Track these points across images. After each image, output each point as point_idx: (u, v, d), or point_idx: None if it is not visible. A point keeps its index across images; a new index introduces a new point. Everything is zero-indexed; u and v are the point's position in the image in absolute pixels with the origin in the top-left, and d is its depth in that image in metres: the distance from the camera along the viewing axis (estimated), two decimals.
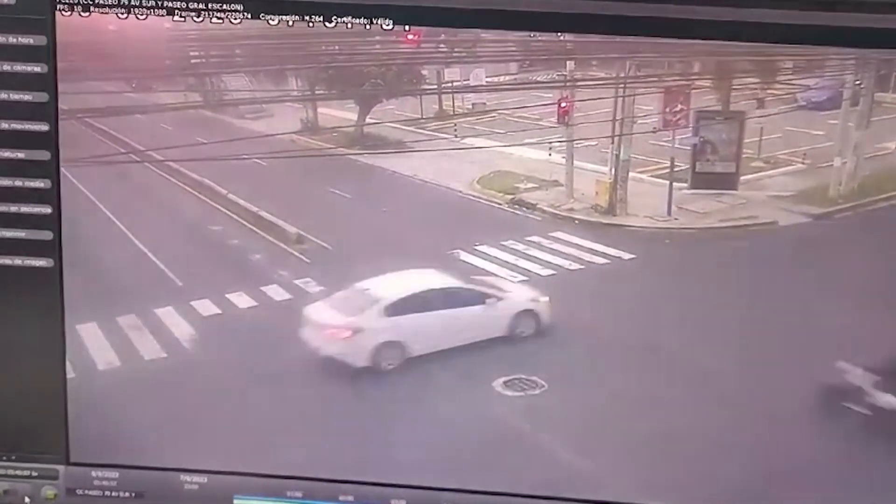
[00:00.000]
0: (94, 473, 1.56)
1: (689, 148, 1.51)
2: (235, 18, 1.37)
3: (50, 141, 1.41)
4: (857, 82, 1.43)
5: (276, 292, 1.56)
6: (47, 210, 1.44)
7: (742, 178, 1.51)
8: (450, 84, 1.52)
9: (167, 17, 1.37)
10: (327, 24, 1.37)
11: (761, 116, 1.47)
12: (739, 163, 1.49)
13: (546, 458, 1.54)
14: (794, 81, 1.46)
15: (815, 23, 1.32)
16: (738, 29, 1.33)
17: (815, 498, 1.54)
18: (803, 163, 1.51)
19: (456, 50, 1.45)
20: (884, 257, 1.47)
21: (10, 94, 1.39)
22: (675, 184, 1.53)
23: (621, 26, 1.35)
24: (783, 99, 1.47)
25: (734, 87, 1.44)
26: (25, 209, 1.44)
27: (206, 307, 1.56)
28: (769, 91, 1.46)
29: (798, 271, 1.51)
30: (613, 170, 1.53)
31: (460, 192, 1.57)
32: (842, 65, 1.42)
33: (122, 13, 1.37)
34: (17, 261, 1.45)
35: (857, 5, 1.31)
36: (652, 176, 1.54)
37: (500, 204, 1.58)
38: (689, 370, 1.54)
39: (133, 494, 1.57)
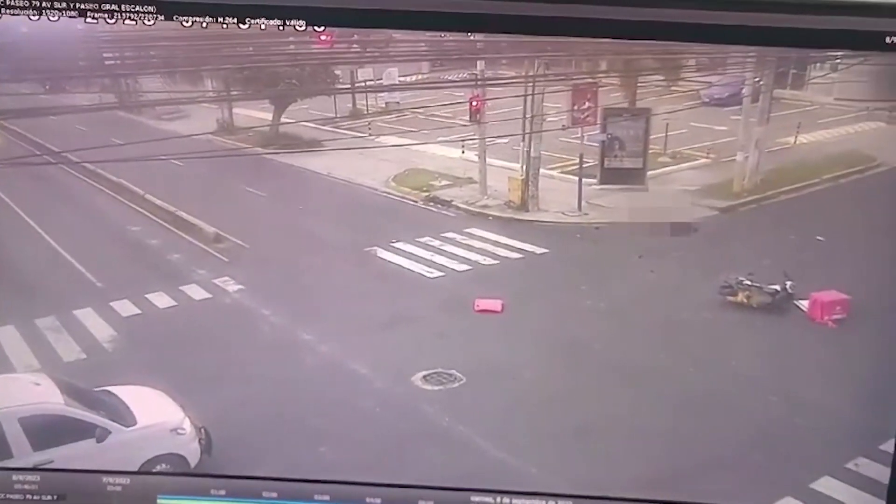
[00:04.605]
0: (14, 477, 1.55)
1: (597, 145, 1.55)
2: (149, 20, 1.37)
3: None
4: (757, 79, 1.48)
5: (195, 291, 1.57)
6: None
7: (649, 173, 1.55)
8: (363, 83, 1.54)
9: (79, 18, 1.37)
10: (241, 25, 1.37)
11: (666, 113, 1.51)
12: (646, 158, 1.54)
13: (465, 450, 1.56)
14: (697, 79, 1.50)
15: (716, 22, 1.36)
16: (642, 28, 1.36)
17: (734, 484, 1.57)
18: (708, 157, 1.56)
19: (368, 50, 1.47)
20: (787, 248, 1.52)
21: None
22: (584, 180, 1.57)
23: (528, 26, 1.37)
24: (687, 95, 1.51)
25: (640, 84, 1.48)
26: None
27: (125, 307, 1.56)
28: (673, 88, 1.50)
29: (704, 263, 1.55)
30: (525, 167, 1.57)
31: (376, 189, 1.59)
32: (742, 63, 1.46)
33: (34, 15, 1.37)
34: None
35: (755, 5, 1.35)
36: (562, 172, 1.58)
37: (415, 201, 1.61)
38: (602, 361, 1.57)
39: (55, 497, 1.55)
